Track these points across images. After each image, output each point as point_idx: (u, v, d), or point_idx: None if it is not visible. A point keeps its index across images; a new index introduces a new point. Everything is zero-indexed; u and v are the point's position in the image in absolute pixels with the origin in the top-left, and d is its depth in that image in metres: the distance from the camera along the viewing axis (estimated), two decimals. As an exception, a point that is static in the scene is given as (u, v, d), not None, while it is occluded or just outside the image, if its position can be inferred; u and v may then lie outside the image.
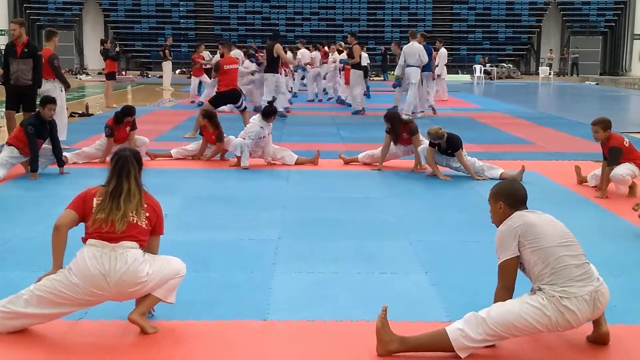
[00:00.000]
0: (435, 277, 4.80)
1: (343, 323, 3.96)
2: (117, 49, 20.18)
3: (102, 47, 18.72)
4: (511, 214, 3.70)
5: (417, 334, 3.58)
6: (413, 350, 3.52)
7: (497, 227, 3.75)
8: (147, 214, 3.82)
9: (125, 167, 3.82)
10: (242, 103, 12.60)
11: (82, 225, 3.82)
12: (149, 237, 3.84)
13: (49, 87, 10.43)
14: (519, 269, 3.65)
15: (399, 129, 8.75)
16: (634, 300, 4.40)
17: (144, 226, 3.79)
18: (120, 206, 3.73)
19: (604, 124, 7.31)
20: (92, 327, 3.85)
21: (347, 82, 17.75)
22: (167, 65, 22.75)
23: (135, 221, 3.75)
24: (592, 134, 7.45)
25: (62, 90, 10.61)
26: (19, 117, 10.06)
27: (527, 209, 3.75)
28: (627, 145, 7.31)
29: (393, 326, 3.57)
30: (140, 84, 28.06)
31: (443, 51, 19.37)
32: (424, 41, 15.80)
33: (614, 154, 7.23)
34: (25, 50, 9.85)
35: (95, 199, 3.79)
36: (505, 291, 3.62)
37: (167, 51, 21.86)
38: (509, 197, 3.76)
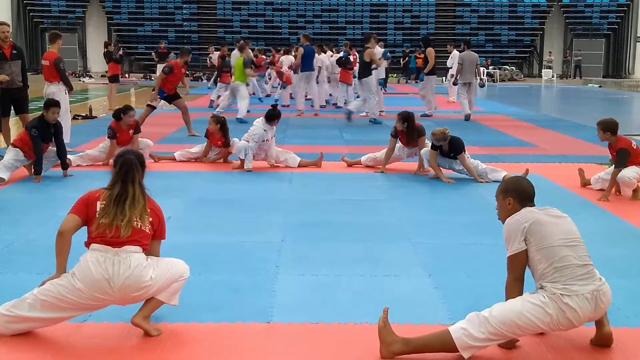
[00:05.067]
0: (438, 279, 4.80)
1: (346, 325, 3.96)
2: (121, 51, 20.20)
3: (105, 50, 18.69)
4: (520, 209, 3.70)
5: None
6: (416, 352, 3.52)
7: (504, 223, 3.74)
8: (151, 219, 3.82)
9: (130, 171, 3.81)
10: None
11: (84, 228, 3.82)
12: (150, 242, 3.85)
13: (54, 89, 10.45)
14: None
15: (413, 130, 8.72)
16: (637, 303, 4.39)
17: (147, 231, 3.79)
18: (125, 212, 3.72)
19: (602, 125, 7.30)
20: (95, 329, 3.86)
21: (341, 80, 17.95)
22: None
23: (139, 226, 3.75)
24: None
25: (66, 93, 10.64)
26: (15, 121, 10.03)
27: (534, 205, 3.75)
28: (635, 148, 7.30)
29: (396, 329, 3.57)
30: (143, 87, 28.10)
31: (455, 53, 19.47)
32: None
33: (621, 156, 7.22)
34: (14, 52, 9.82)
35: (98, 203, 3.78)
36: (515, 283, 3.62)
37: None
38: (519, 193, 3.75)
